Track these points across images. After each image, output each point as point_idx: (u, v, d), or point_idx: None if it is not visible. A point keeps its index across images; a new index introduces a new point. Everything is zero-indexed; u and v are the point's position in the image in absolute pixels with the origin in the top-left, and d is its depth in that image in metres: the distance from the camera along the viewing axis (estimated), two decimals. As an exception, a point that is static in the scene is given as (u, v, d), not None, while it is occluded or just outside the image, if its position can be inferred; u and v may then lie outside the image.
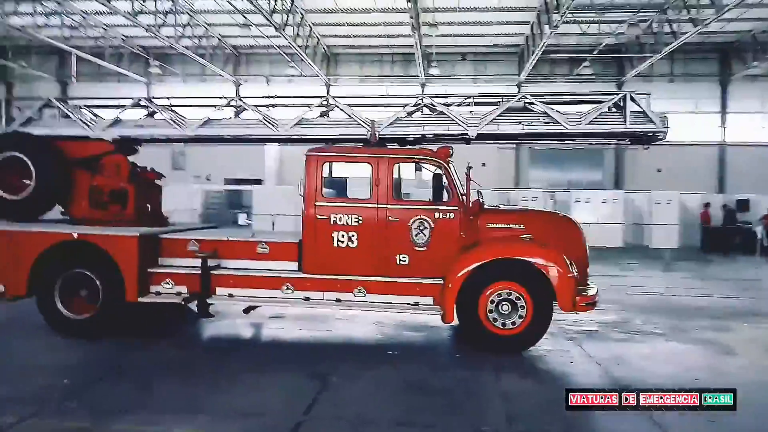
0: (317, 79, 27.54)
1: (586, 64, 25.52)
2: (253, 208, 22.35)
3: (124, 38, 26.33)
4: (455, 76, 27.88)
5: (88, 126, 8.03)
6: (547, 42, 22.12)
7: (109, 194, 7.98)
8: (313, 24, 24.83)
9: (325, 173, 7.35)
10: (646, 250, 19.01)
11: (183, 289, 7.33)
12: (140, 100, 8.13)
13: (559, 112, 7.75)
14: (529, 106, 7.86)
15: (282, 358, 6.85)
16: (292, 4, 21.75)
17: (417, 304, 7.11)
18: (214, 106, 8.05)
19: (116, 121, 8.04)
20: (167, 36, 22.79)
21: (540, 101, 7.79)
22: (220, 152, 21.78)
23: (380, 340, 7.69)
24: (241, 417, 4.95)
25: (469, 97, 8.14)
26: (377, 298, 7.17)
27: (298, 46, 23.75)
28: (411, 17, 20.95)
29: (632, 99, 7.59)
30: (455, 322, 6.99)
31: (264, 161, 26.24)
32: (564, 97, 8.57)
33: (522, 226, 7.34)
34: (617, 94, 7.63)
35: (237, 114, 8.27)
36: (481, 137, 7.87)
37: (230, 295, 7.33)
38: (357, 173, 7.51)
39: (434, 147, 7.58)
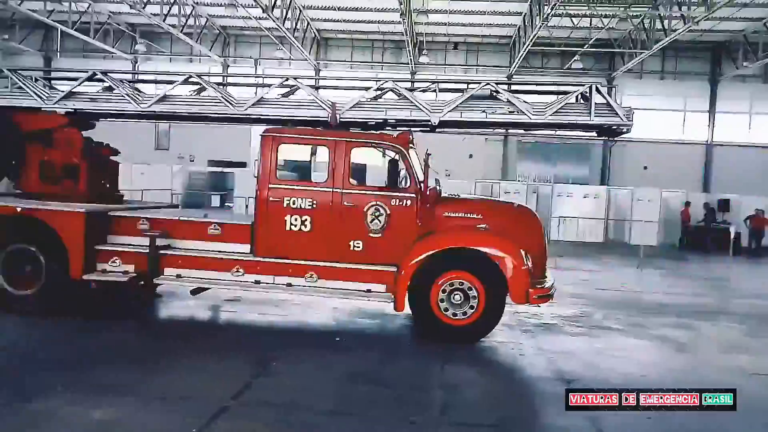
0: (307, 63, 27.26)
1: (576, 58, 25.30)
2: (235, 190, 22.14)
3: (110, 14, 25.92)
4: (446, 65, 27.65)
5: (41, 98, 7.80)
6: (539, 34, 21.95)
7: (61, 169, 7.78)
8: (303, 7, 24.52)
9: (281, 155, 7.19)
10: (626, 247, 18.96)
11: (130, 268, 7.17)
12: (95, 73, 7.89)
13: (525, 102, 7.59)
14: (495, 95, 7.70)
15: (229, 342, 6.72)
16: (281, -15, 21.45)
17: (369, 291, 6.98)
18: (171, 83, 7.85)
19: (70, 94, 7.81)
20: (153, 14, 22.44)
21: (506, 90, 7.63)
22: (206, 133, 21.57)
23: (332, 327, 7.58)
24: (168, 401, 4.80)
25: (434, 82, 7.95)
26: (329, 283, 7.04)
27: (287, 29, 23.46)
28: (400, 3, 20.71)
29: (598, 91, 7.41)
30: (407, 310, 6.86)
31: (250, 143, 25.95)
32: (531, 86, 8.35)
33: (479, 216, 7.21)
34: (582, 85, 7.46)
35: (199, 92, 8.07)
36: (445, 125, 7.70)
37: (179, 276, 7.18)
38: (317, 157, 7.36)
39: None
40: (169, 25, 23.42)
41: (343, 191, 7.02)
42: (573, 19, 23.47)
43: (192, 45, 25.74)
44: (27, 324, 6.90)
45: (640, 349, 7.08)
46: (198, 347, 6.42)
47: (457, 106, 7.53)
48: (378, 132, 7.58)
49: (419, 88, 8.04)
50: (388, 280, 6.91)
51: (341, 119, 7.54)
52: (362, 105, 7.67)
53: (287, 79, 7.82)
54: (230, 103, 7.71)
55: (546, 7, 19.68)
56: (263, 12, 20.98)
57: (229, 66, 28.30)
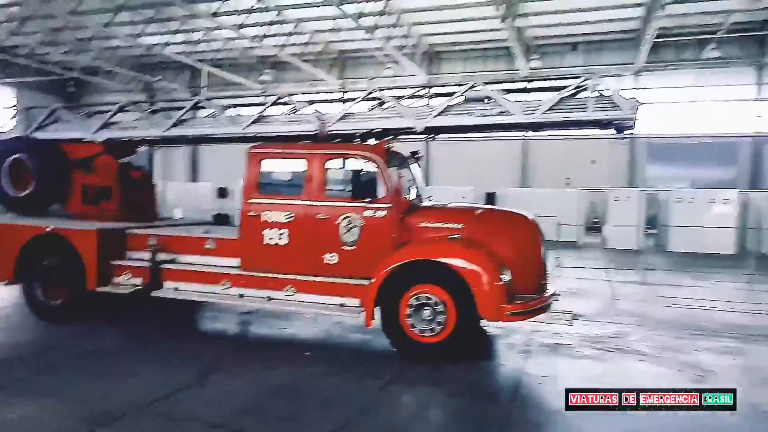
0: (419, 78, 27.43)
1: (712, 46, 22.50)
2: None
3: (241, 49, 28.31)
4: (563, 67, 26.10)
5: (82, 130, 8.79)
6: (668, 24, 19.91)
7: (97, 191, 8.69)
8: (412, 23, 24.83)
9: (263, 170, 7.35)
10: (762, 259, 16.33)
11: (139, 281, 7.75)
12: (125, 104, 8.77)
13: (517, 101, 6.99)
14: (489, 97, 7.17)
15: (189, 352, 6.83)
16: (385, 6, 21.96)
17: (343, 305, 6.83)
18: (180, 108, 8.44)
19: (105, 125, 8.71)
20: (273, 45, 24.39)
21: (497, 90, 7.08)
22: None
23: (317, 340, 7.48)
24: (80, 404, 5.06)
25: (425, 87, 7.61)
26: (305, 297, 7.02)
27: (395, 47, 23.98)
28: (496, 8, 20.16)
29: (598, 83, 6.60)
30: (375, 325, 6.58)
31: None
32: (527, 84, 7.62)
33: (459, 225, 6.73)
34: (578, 78, 6.68)
35: (211, 114, 8.56)
36: (434, 130, 7.34)
37: (176, 289, 7.61)
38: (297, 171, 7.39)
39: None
40: (290, 54, 25.24)
41: (317, 204, 6.99)
42: (705, 2, 20.96)
43: (312, 71, 27.34)
44: (33, 329, 7.69)
45: (646, 377, 6.04)
46: (154, 355, 6.66)
47: (443, 111, 7.17)
48: (355, 143, 7.43)
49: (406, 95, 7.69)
50: (361, 294, 6.71)
51: (329, 132, 7.54)
52: (351, 116, 7.59)
53: (281, 97, 7.96)
54: (233, 123, 8.07)
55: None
56: (366, 33, 21.78)
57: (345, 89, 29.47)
